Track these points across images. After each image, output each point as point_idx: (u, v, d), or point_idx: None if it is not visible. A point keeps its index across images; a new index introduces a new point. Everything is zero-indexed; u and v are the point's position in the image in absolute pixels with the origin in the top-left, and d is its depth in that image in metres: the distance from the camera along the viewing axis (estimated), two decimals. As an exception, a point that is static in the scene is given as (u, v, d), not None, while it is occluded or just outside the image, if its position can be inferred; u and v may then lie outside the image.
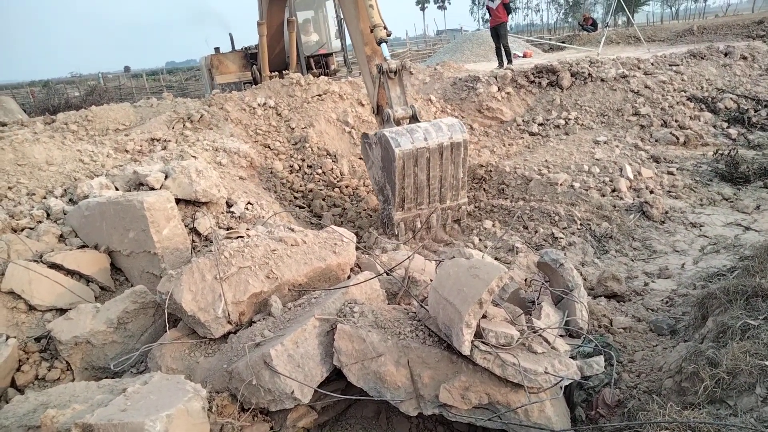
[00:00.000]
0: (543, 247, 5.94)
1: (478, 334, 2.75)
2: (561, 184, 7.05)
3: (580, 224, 6.34)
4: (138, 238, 4.07)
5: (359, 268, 4.38)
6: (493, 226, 6.57)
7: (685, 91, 9.92)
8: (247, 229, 4.37)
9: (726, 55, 11.55)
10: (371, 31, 5.90)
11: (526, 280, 4.79)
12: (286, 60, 13.35)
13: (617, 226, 6.24)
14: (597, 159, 7.74)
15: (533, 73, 10.51)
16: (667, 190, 7.07)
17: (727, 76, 10.74)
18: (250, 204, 5.37)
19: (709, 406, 2.56)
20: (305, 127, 8.40)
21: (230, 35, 15.53)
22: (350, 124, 8.81)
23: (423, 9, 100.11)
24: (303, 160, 7.88)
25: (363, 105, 9.36)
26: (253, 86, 10.55)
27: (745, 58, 11.51)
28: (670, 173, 7.47)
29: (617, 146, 8.20)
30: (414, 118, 5.87)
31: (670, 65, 10.98)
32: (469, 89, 10.46)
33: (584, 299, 3.80)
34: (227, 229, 4.63)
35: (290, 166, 7.72)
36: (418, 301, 3.38)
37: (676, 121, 9.03)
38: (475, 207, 7.20)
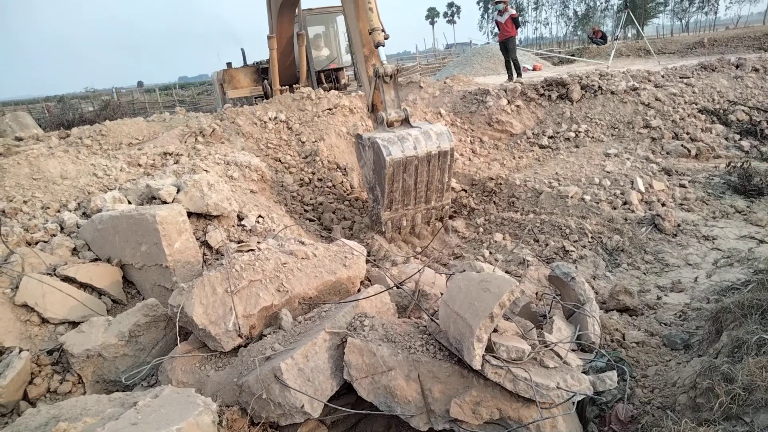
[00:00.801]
0: (554, 260, 5.91)
1: (489, 349, 2.73)
2: (572, 197, 7.02)
3: (591, 237, 6.31)
4: (150, 252, 4.10)
5: (369, 281, 4.37)
6: (504, 239, 6.55)
7: (696, 104, 9.88)
8: (258, 243, 4.39)
9: (737, 67, 11.49)
10: (369, 33, 6.16)
11: (537, 293, 4.76)
12: (296, 74, 13.49)
13: (629, 239, 6.20)
14: (608, 172, 7.71)
15: (543, 86, 10.52)
16: (679, 202, 7.02)
17: (739, 88, 10.67)
18: (261, 217, 5.40)
19: (724, 422, 2.52)
20: (316, 141, 8.46)
21: (242, 50, 15.76)
22: (360, 137, 8.86)
23: (432, 23, 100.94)
24: (313, 174, 7.92)
25: (373, 118, 9.41)
26: (265, 100, 10.67)
27: (756, 70, 11.44)
28: (682, 186, 7.41)
29: (628, 159, 8.17)
30: (406, 120, 6.19)
31: (680, 78, 10.94)
32: (478, 102, 10.49)
33: (596, 313, 3.76)
34: (238, 243, 4.65)
35: (300, 180, 7.76)
36: (429, 315, 3.36)
37: (688, 133, 8.98)
38: (485, 220, 7.19)
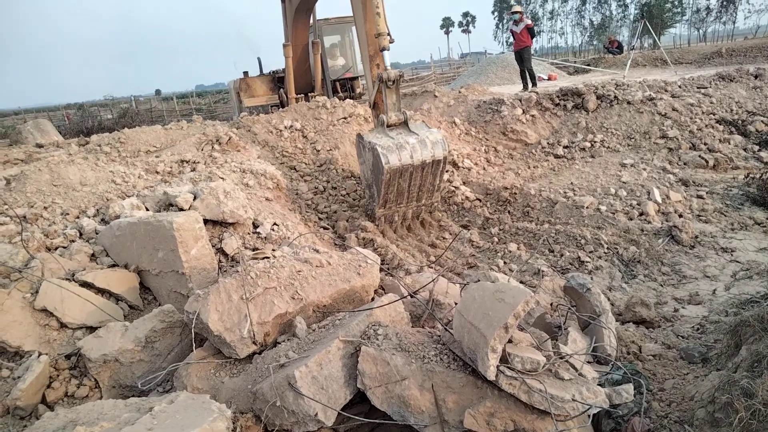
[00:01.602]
0: (569, 270, 5.87)
1: (504, 359, 2.71)
2: (587, 207, 6.98)
3: (607, 248, 6.25)
4: (167, 258, 4.14)
5: (383, 290, 4.38)
6: (518, 249, 6.52)
7: (714, 114, 9.78)
8: (273, 250, 4.42)
9: (756, 77, 11.36)
10: (376, 37, 6.45)
11: (551, 304, 4.73)
12: (311, 82, 13.59)
13: (645, 250, 6.14)
14: (624, 182, 7.65)
15: (558, 96, 10.50)
16: (696, 213, 6.94)
17: (758, 99, 10.55)
18: (276, 225, 5.44)
19: (744, 438, 2.48)
20: (330, 150, 8.51)
21: (258, 59, 15.90)
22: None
23: (447, 33, 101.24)
24: (327, 182, 7.96)
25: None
26: (280, 109, 10.76)
27: (776, 80, 11.31)
28: (700, 197, 7.33)
29: (644, 169, 8.10)
30: (405, 123, 6.58)
31: (698, 88, 10.85)
32: (493, 112, 10.48)
33: (612, 325, 3.73)
34: (253, 250, 4.69)
35: (315, 188, 7.81)
36: (443, 325, 3.36)
37: (705, 144, 8.89)
38: (500, 229, 7.17)
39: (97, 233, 4.66)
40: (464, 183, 8.31)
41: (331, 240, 6.65)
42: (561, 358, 2.93)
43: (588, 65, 22.98)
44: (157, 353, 3.62)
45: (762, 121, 9.53)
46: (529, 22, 14.04)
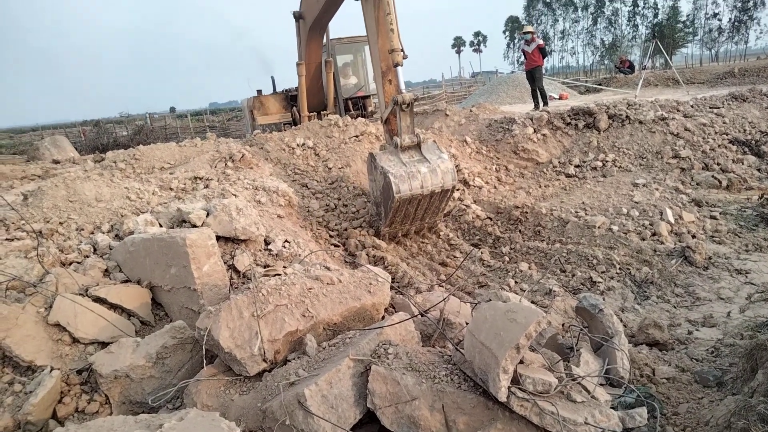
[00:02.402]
0: (580, 291, 5.82)
1: (515, 381, 2.69)
2: (599, 227, 6.94)
3: (619, 269, 6.20)
4: (179, 274, 4.17)
5: (393, 308, 4.37)
6: (530, 268, 6.48)
7: (727, 134, 9.74)
8: (284, 267, 4.44)
9: (769, 97, 11.33)
10: (390, 53, 6.51)
11: (563, 325, 4.69)
12: (324, 101, 13.74)
13: (658, 271, 6.08)
14: (636, 202, 7.61)
15: (570, 115, 10.51)
16: (710, 234, 6.88)
17: (772, 119, 10.50)
18: (287, 242, 5.46)
19: (761, 465, 2.43)
20: (342, 167, 8.57)
21: (272, 78, 16.14)
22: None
23: (459, 52, 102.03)
24: (339, 199, 8.00)
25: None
26: (293, 127, 10.87)
27: (789, 100, 11.26)
28: (713, 217, 7.27)
29: (657, 189, 8.05)
30: (418, 146, 6.71)
31: (710, 108, 10.82)
32: (504, 131, 10.51)
33: (625, 347, 3.68)
34: (265, 267, 4.71)
35: (326, 205, 7.84)
36: (453, 344, 3.34)
37: (718, 164, 8.84)
38: (511, 249, 7.14)
39: (111, 249, 4.70)
40: (475, 201, 8.31)
41: (342, 257, 6.66)
42: (573, 380, 2.90)
43: (599, 85, 23.02)
44: (168, 369, 3.62)
45: (776, 142, 9.47)
46: (541, 42, 14.16)
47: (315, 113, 13.28)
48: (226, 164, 7.71)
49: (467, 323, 3.80)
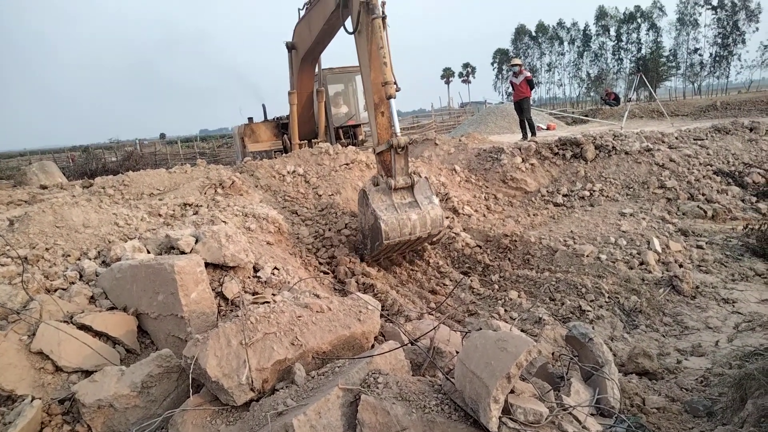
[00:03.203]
0: (570, 319, 5.82)
1: (506, 410, 2.67)
2: (587, 256, 6.98)
3: (608, 297, 6.22)
4: (166, 301, 4.12)
5: (383, 336, 4.34)
6: (519, 296, 6.49)
7: (711, 165, 9.93)
8: (273, 295, 4.41)
9: (751, 130, 11.60)
10: (383, 86, 6.57)
11: (553, 354, 4.67)
12: (315, 129, 13.85)
13: (647, 300, 6.11)
14: (623, 231, 7.68)
15: (557, 145, 10.67)
16: (696, 264, 6.94)
17: (754, 151, 10.73)
18: (277, 269, 5.43)
19: (753, 497, 2.41)
20: (332, 194, 8.59)
21: (263, 106, 16.25)
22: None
23: (448, 82, 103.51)
24: (328, 227, 7.99)
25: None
26: (284, 154, 10.91)
27: (771, 133, 11.53)
28: (700, 247, 7.35)
29: (644, 218, 8.15)
30: (411, 187, 6.82)
31: (694, 139, 11.06)
32: (493, 160, 10.63)
33: (615, 376, 3.68)
34: (254, 294, 4.67)
35: (316, 232, 7.83)
36: (444, 374, 3.31)
37: (703, 194, 8.99)
38: (500, 277, 7.15)
39: (97, 275, 4.64)
40: (464, 229, 8.35)
41: (332, 284, 6.62)
42: (564, 409, 2.88)
43: (586, 116, 23.45)
44: (153, 399, 3.55)
45: (758, 173, 9.67)
46: (528, 74, 14.45)
47: (306, 141, 13.37)
48: (215, 191, 7.70)
49: (458, 352, 3.78)
